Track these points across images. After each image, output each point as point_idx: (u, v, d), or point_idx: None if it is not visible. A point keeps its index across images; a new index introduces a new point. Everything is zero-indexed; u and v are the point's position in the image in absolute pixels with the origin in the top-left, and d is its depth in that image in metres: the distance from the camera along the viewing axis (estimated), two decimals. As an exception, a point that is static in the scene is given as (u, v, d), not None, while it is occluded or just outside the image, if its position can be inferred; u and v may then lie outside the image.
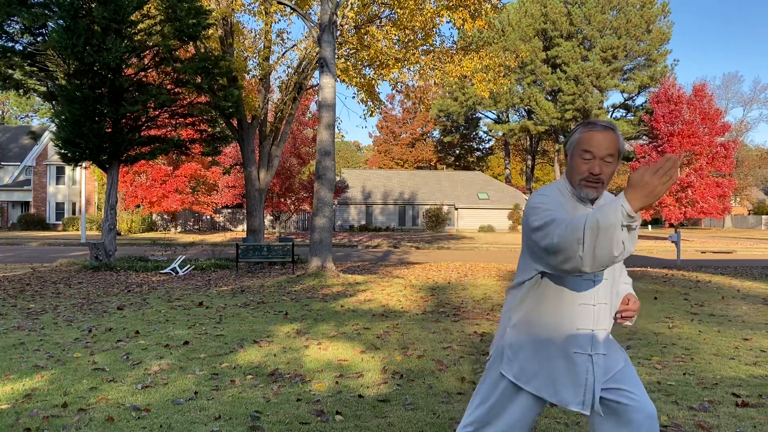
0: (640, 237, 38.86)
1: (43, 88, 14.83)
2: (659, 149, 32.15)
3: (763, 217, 60.57)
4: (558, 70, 44.01)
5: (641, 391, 2.16)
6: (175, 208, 34.06)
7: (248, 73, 17.82)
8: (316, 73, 16.88)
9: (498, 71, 15.72)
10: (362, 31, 15.39)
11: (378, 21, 15.60)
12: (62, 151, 13.90)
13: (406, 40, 15.53)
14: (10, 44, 13.93)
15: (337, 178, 44.90)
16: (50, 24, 13.45)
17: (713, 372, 4.76)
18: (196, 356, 5.26)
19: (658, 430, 2.15)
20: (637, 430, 2.11)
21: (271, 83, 18.56)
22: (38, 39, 14.05)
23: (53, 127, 16.34)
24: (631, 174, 1.74)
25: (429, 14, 14.13)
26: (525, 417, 2.17)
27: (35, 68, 14.13)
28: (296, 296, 9.44)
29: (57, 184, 42.57)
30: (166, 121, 15.55)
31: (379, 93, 17.61)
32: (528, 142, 54.46)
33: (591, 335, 2.10)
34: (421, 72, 16.08)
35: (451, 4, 13.82)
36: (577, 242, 1.77)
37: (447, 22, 15.45)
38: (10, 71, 13.93)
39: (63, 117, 13.15)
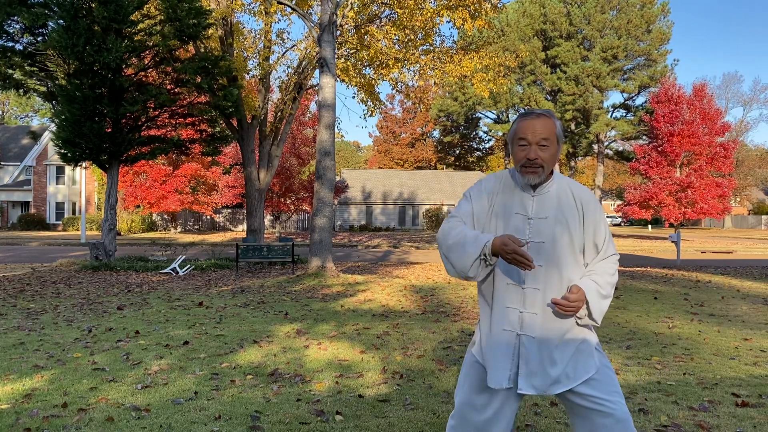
0: (640, 237, 38.86)
1: (43, 88, 14.83)
2: (659, 149, 32.15)
3: (763, 217, 60.56)
4: (558, 70, 44.00)
5: (613, 396, 2.17)
6: (175, 209, 34.04)
7: (248, 73, 17.82)
8: (316, 73, 16.89)
9: (498, 71, 15.72)
10: (362, 31, 15.39)
11: (378, 21, 15.60)
12: (62, 151, 13.90)
13: (406, 40, 15.53)
14: (11, 44, 13.93)
15: (337, 178, 44.91)
16: (50, 24, 13.44)
17: (713, 372, 4.75)
18: (196, 356, 5.26)
19: None
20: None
21: (271, 83, 18.57)
22: (38, 39, 14.04)
23: (53, 127, 16.35)
24: (512, 238, 2.05)
25: (429, 14, 14.13)
26: (484, 391, 2.26)
27: (35, 68, 14.13)
28: (296, 296, 9.44)
29: (57, 184, 42.56)
30: (166, 121, 15.55)
31: (379, 93, 17.61)
32: (528, 142, 54.39)
33: (519, 315, 2.17)
34: (421, 72, 16.08)
35: (451, 3, 13.82)
36: (441, 249, 2.22)
37: (447, 22, 15.44)
38: (10, 71, 13.93)
39: (63, 117, 13.15)
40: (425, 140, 66.65)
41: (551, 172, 2.25)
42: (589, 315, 2.17)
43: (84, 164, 24.70)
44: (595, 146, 46.50)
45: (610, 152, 48.75)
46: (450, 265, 2.20)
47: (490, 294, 2.27)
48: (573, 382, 2.17)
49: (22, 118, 67.04)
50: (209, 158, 29.59)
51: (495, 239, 2.08)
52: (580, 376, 2.17)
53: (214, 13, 15.08)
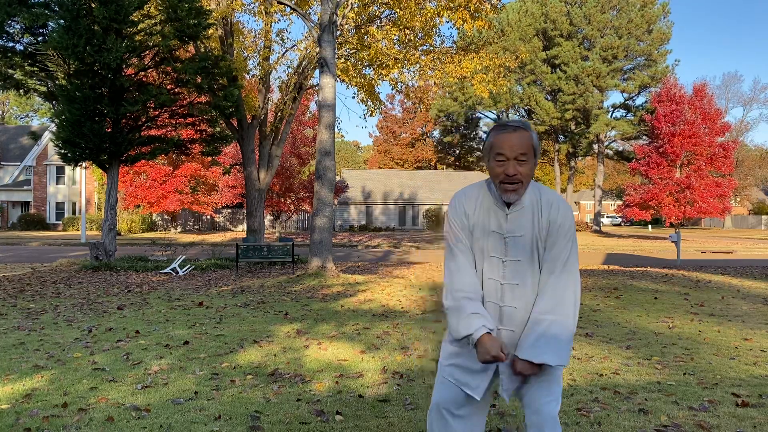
0: (640, 237, 38.87)
1: (44, 88, 14.82)
2: (660, 149, 32.13)
3: (763, 217, 60.60)
4: (558, 70, 43.98)
5: (540, 400, 2.22)
6: (175, 209, 34.03)
7: (248, 73, 17.82)
8: (316, 73, 16.89)
9: (498, 72, 15.72)
10: (362, 31, 15.38)
11: (378, 21, 15.59)
12: (62, 151, 13.90)
13: (406, 40, 15.53)
14: (11, 44, 13.93)
15: (337, 178, 44.91)
16: (51, 24, 13.44)
17: (713, 372, 4.75)
18: (196, 356, 5.26)
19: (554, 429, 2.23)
20: (528, 428, 2.26)
21: (271, 83, 18.58)
22: (39, 39, 14.04)
23: (53, 127, 16.34)
24: (499, 348, 2.08)
25: (429, 14, 14.13)
26: (458, 397, 2.30)
27: (35, 68, 14.13)
28: (296, 296, 9.44)
29: (57, 184, 42.56)
30: (166, 121, 15.55)
31: (379, 93, 17.62)
32: (528, 142, 54.40)
33: (498, 332, 2.20)
34: (421, 72, 16.08)
35: (451, 4, 13.81)
36: (447, 294, 2.30)
37: (447, 22, 15.42)
38: (10, 71, 13.93)
39: (63, 117, 13.14)
40: (425, 140, 66.65)
41: None
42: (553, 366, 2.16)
43: (84, 164, 24.68)
44: (595, 146, 46.50)
45: (610, 152, 48.75)
46: (447, 315, 2.29)
47: None
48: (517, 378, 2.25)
49: (22, 118, 67.06)
50: (209, 158, 29.55)
51: (483, 338, 2.09)
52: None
53: (214, 13, 15.07)
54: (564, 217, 2.19)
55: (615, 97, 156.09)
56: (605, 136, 45.86)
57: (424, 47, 15.97)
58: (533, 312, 2.16)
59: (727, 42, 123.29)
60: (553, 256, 2.17)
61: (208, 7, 14.85)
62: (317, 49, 13.65)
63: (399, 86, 17.19)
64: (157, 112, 14.94)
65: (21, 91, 14.61)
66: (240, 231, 42.22)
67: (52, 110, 14.74)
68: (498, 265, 2.20)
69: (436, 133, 65.25)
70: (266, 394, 4.15)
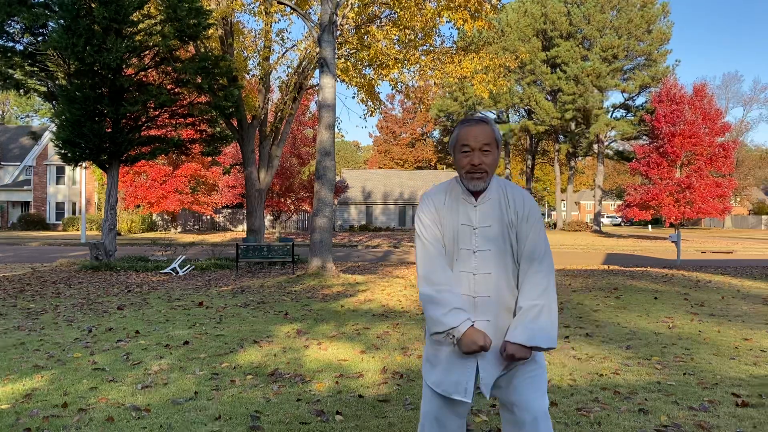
0: (640, 237, 38.87)
1: (44, 88, 14.82)
2: (660, 149, 32.11)
3: (763, 217, 60.63)
4: (558, 69, 43.97)
5: (530, 396, 2.22)
6: (175, 209, 34.04)
7: (248, 73, 17.82)
8: (316, 73, 16.89)
9: (498, 72, 15.72)
10: (362, 31, 15.39)
11: (378, 21, 15.59)
12: (62, 151, 13.90)
13: (406, 40, 15.53)
14: (11, 44, 13.92)
15: (337, 178, 44.90)
16: (51, 24, 13.44)
17: (713, 372, 4.75)
18: (196, 356, 5.26)
19: (547, 428, 2.23)
20: (521, 427, 2.23)
21: (271, 83, 18.58)
22: (39, 39, 14.04)
23: (53, 127, 16.34)
24: (483, 339, 2.12)
25: (429, 14, 14.13)
26: (441, 409, 2.30)
27: (35, 68, 14.12)
28: (296, 296, 9.44)
29: (57, 184, 42.56)
30: (166, 121, 15.55)
31: (379, 93, 17.61)
32: (528, 142, 54.49)
33: (473, 301, 2.22)
34: (421, 72, 16.08)
35: (451, 4, 13.81)
36: (424, 287, 2.23)
37: (447, 22, 15.45)
38: (10, 71, 13.92)
39: (63, 117, 13.14)
40: (425, 140, 66.66)
41: None
42: (538, 348, 2.20)
43: (84, 164, 24.68)
44: (595, 146, 46.49)
45: (610, 152, 48.74)
46: (424, 305, 2.25)
47: None
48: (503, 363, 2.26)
49: (22, 118, 67.07)
50: (209, 158, 29.59)
51: (468, 331, 2.13)
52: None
53: (214, 13, 15.07)
54: (531, 209, 2.28)
55: (615, 97, 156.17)
56: (605, 136, 45.85)
57: (424, 47, 15.97)
58: (521, 300, 2.22)
59: (727, 42, 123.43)
60: (529, 247, 2.25)
61: (208, 7, 14.85)
62: (317, 49, 13.65)
63: (399, 86, 17.19)
64: (157, 112, 14.94)
65: (21, 91, 14.61)
66: (240, 231, 42.23)
67: (52, 110, 14.75)
68: (469, 256, 2.26)
69: (436, 133, 65.26)
70: (266, 394, 4.15)
